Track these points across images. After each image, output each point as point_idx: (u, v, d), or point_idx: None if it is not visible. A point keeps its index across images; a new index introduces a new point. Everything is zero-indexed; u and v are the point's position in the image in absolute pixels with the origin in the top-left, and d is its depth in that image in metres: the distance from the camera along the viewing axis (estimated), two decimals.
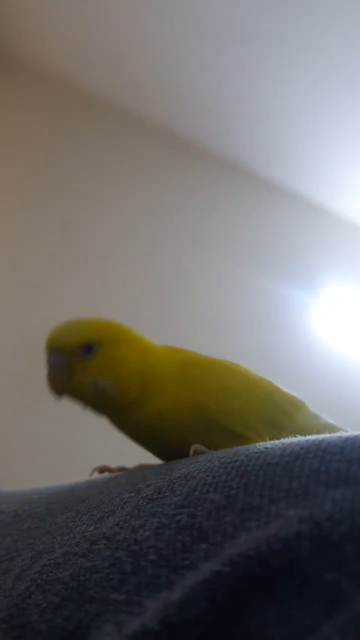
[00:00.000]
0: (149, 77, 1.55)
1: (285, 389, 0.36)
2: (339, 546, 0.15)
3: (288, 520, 0.16)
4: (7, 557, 0.23)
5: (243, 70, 1.46)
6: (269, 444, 0.21)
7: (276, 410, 0.33)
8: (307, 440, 0.20)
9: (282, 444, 0.20)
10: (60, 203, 1.52)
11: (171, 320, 1.48)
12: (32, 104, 1.60)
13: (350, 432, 0.21)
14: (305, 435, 0.21)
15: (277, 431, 0.32)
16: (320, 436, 0.20)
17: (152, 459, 0.34)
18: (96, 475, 0.33)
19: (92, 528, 0.21)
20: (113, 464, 0.35)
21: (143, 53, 1.48)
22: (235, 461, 0.20)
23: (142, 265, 1.53)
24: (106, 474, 0.33)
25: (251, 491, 0.18)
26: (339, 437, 0.19)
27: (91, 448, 1.15)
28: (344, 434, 0.20)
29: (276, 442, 0.21)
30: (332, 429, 0.35)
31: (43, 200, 1.51)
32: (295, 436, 0.22)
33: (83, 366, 0.30)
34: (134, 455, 0.41)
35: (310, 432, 0.25)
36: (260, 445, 0.21)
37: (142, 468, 0.30)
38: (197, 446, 0.29)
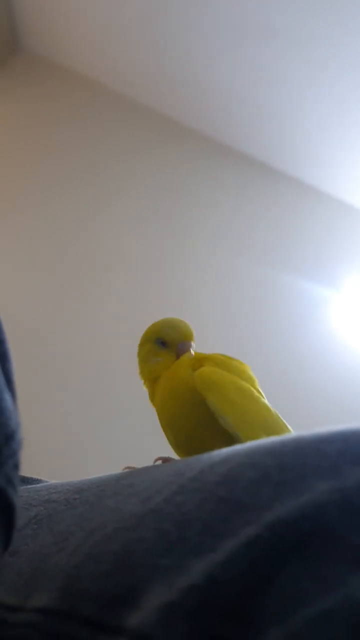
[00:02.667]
0: (164, 71, 1.57)
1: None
2: None
3: (319, 491, 0.18)
4: (62, 539, 0.25)
5: (262, 66, 1.47)
6: (301, 433, 0.23)
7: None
8: (335, 429, 0.22)
9: (312, 433, 0.23)
10: (67, 195, 1.55)
11: (185, 317, 1.48)
12: (61, 101, 1.64)
13: None
14: None
15: None
16: (346, 425, 0.23)
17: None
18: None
19: (140, 507, 0.23)
20: (134, 460, 0.39)
21: (158, 49, 1.51)
22: (270, 446, 0.22)
23: (159, 260, 1.54)
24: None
25: (285, 469, 0.20)
26: None
27: (116, 444, 1.18)
28: None
29: (306, 431, 0.23)
30: None
31: (50, 197, 1.55)
32: None
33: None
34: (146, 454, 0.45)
35: None
36: (293, 434, 0.23)
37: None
38: (162, 457, 0.37)
